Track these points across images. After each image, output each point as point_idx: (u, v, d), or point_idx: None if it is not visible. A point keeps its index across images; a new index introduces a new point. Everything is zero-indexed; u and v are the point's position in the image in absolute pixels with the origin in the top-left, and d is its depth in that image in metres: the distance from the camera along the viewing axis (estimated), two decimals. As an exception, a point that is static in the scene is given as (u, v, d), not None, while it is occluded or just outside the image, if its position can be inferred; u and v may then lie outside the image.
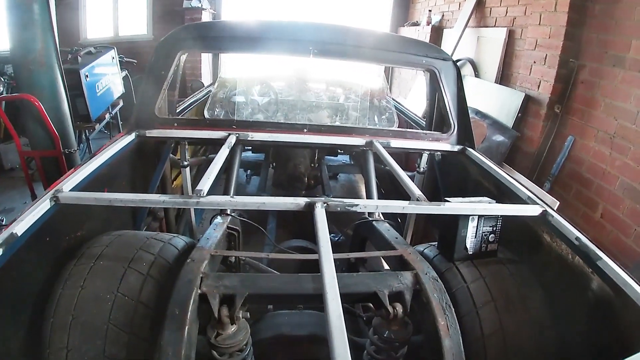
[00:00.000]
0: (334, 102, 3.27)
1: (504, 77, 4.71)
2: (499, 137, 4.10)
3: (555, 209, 1.66)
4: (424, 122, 2.95)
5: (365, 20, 8.72)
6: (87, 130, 3.97)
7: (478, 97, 4.57)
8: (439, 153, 2.50)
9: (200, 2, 7.33)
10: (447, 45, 5.95)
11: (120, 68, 5.68)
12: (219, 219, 1.82)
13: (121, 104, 4.50)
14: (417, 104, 5.88)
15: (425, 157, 2.54)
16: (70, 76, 3.59)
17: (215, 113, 2.97)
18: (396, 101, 3.68)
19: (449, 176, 2.55)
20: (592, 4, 3.53)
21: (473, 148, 2.39)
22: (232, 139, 2.16)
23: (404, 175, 1.87)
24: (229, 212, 1.88)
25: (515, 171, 3.81)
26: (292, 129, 2.35)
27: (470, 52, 5.41)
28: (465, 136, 2.42)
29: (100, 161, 1.82)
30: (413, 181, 1.81)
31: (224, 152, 1.97)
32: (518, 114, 4.07)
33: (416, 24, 7.41)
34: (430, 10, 6.87)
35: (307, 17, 3.52)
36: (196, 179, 2.37)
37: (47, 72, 3.07)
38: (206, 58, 7.78)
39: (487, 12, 5.16)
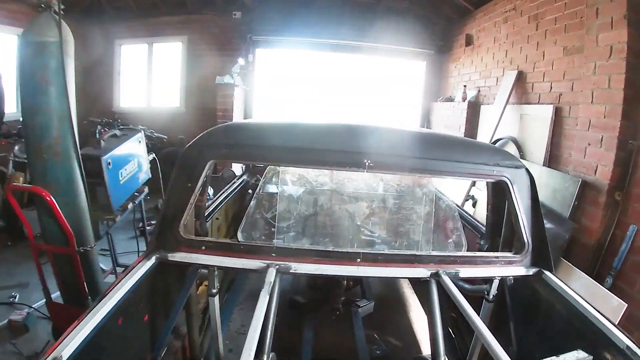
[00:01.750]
0: (393, 228, 2.79)
1: (553, 158, 4.31)
2: (555, 229, 3.63)
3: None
4: (483, 227, 2.56)
5: (398, 94, 8.62)
6: (107, 222, 3.68)
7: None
8: (511, 277, 2.07)
9: (232, 78, 7.39)
10: (486, 123, 5.67)
11: (149, 147, 5.56)
12: None
13: (146, 191, 4.23)
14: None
15: (496, 283, 2.10)
16: (91, 163, 3.30)
17: (252, 235, 2.57)
18: (441, 193, 3.24)
19: (521, 303, 2.11)
20: (647, 77, 3.20)
21: (551, 271, 1.98)
22: (271, 273, 1.79)
23: (475, 317, 1.58)
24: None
25: (577, 269, 3.32)
26: (342, 259, 1.95)
27: (512, 130, 5.07)
28: (541, 256, 2.02)
29: (108, 307, 1.48)
30: (480, 311, 1.51)
31: (263, 297, 1.62)
32: (574, 202, 3.62)
33: (450, 100, 7.21)
34: (465, 86, 6.68)
35: (357, 118, 3.06)
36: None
37: (63, 163, 2.77)
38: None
39: (529, 87, 4.87)
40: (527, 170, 2.04)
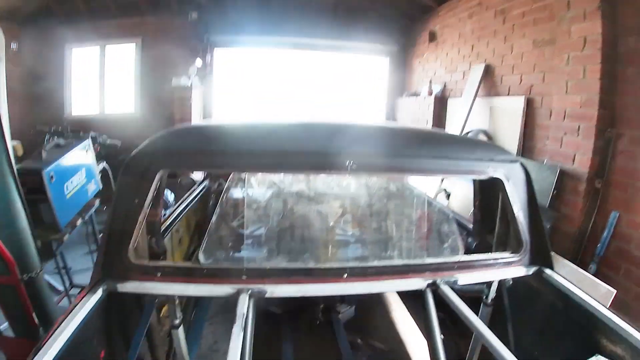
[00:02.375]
0: (380, 235, 2.54)
1: (527, 149, 4.31)
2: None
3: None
4: (470, 225, 2.40)
5: (362, 91, 8.57)
6: (54, 243, 3.28)
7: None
8: (510, 279, 1.92)
9: (189, 79, 7.06)
10: (454, 116, 5.65)
11: (101, 155, 5.15)
12: None
13: (97, 204, 3.84)
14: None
15: (494, 286, 1.95)
16: (31, 178, 2.93)
17: (216, 256, 2.19)
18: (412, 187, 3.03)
19: (521, 304, 1.97)
20: (624, 67, 3.23)
21: (551, 268, 1.85)
22: (243, 301, 1.51)
23: (479, 323, 1.46)
24: None
25: (562, 258, 3.31)
26: (326, 276, 1.69)
27: (483, 123, 5.06)
28: (541, 254, 1.88)
29: (55, 350, 1.24)
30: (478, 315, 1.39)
31: (237, 335, 1.35)
32: (553, 191, 3.61)
33: (416, 95, 7.19)
34: (430, 81, 6.67)
35: (334, 116, 2.78)
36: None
37: None
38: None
39: (498, 80, 4.87)
40: (522, 164, 1.89)
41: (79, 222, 3.47)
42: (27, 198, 2.58)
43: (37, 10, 6.93)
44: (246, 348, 1.38)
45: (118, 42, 7.64)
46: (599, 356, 1.36)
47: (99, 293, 1.53)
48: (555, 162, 3.73)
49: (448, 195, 5.31)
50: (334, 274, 1.68)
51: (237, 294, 1.55)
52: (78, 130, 5.07)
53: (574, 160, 3.54)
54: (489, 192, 2.05)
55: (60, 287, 3.70)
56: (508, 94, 4.66)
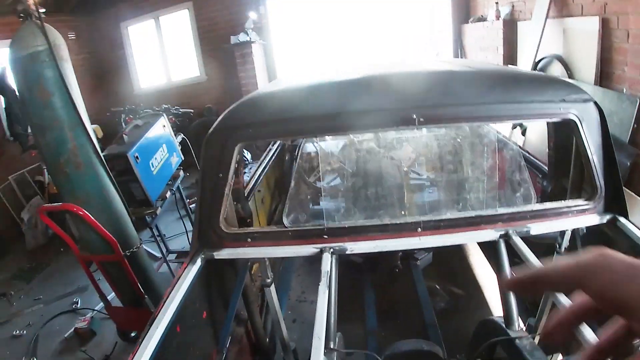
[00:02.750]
0: (453, 185, 2.51)
1: (605, 76, 3.82)
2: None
3: None
4: (546, 168, 2.30)
5: (423, 19, 7.99)
6: (149, 217, 3.63)
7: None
8: (584, 227, 1.86)
9: (248, 35, 7.05)
10: (526, 42, 5.13)
11: (177, 126, 5.41)
12: None
13: (181, 174, 4.14)
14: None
15: (568, 234, 1.90)
16: (119, 162, 3.25)
17: (299, 218, 2.31)
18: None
19: None
20: None
21: (626, 217, 1.73)
22: (326, 260, 1.64)
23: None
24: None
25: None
26: (402, 230, 1.76)
27: (556, 48, 4.54)
28: (616, 201, 1.78)
29: (166, 321, 1.44)
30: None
31: (323, 293, 1.49)
32: (634, 124, 3.23)
33: (483, 19, 6.55)
34: (497, 2, 6.02)
35: (399, 63, 2.65)
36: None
37: (87, 172, 2.66)
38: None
39: (570, -3, 4.28)
40: (596, 104, 1.73)
41: (168, 194, 3.82)
42: (117, 180, 2.89)
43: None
44: (332, 303, 1.51)
45: (170, 11, 7.78)
46: None
47: (198, 263, 1.74)
48: (635, 92, 3.30)
49: (524, 131, 4.95)
50: (409, 229, 1.75)
51: (320, 253, 1.70)
52: (151, 105, 5.40)
53: (656, 89, 3.10)
54: (563, 133, 1.97)
55: (158, 254, 4.13)
56: (582, 14, 4.09)
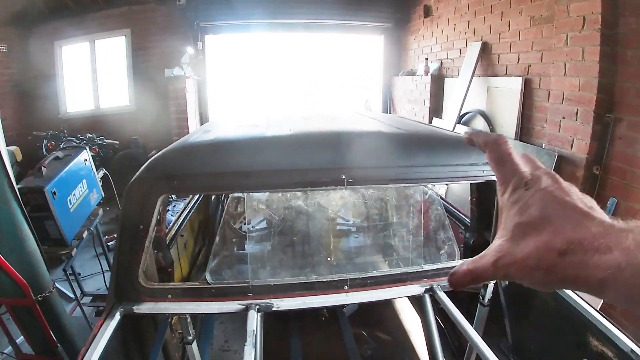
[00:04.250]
0: (379, 241, 2.53)
1: (525, 131, 4.24)
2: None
3: None
4: (468, 220, 2.39)
5: (356, 69, 8.41)
6: (64, 257, 3.27)
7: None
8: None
9: (183, 70, 6.94)
10: (452, 97, 5.55)
11: (100, 157, 5.10)
12: None
13: (101, 212, 3.83)
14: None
15: (491, 286, 1.97)
16: (35, 196, 2.93)
17: (222, 275, 2.22)
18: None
19: (516, 302, 1.99)
20: (624, 49, 3.10)
21: None
22: (252, 317, 1.58)
23: (470, 330, 1.52)
24: None
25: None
26: (328, 288, 1.75)
27: (480, 103, 4.97)
28: None
29: None
30: (475, 315, 1.52)
31: (249, 354, 1.40)
32: (553, 178, 3.55)
33: (412, 73, 7.04)
34: (427, 59, 6.52)
35: (330, 119, 2.68)
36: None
37: (0, 209, 2.38)
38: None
39: (495, 59, 4.75)
40: None
41: (85, 233, 3.48)
42: (31, 216, 2.58)
43: (23, 8, 6.76)
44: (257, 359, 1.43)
45: (107, 36, 7.48)
46: None
47: (116, 317, 1.59)
48: (553, 147, 3.68)
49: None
50: (335, 286, 1.74)
51: (245, 310, 1.63)
52: (75, 132, 5.02)
53: (572, 146, 3.48)
54: (484, 191, 2.05)
55: (71, 295, 3.72)
56: (506, 74, 4.55)
